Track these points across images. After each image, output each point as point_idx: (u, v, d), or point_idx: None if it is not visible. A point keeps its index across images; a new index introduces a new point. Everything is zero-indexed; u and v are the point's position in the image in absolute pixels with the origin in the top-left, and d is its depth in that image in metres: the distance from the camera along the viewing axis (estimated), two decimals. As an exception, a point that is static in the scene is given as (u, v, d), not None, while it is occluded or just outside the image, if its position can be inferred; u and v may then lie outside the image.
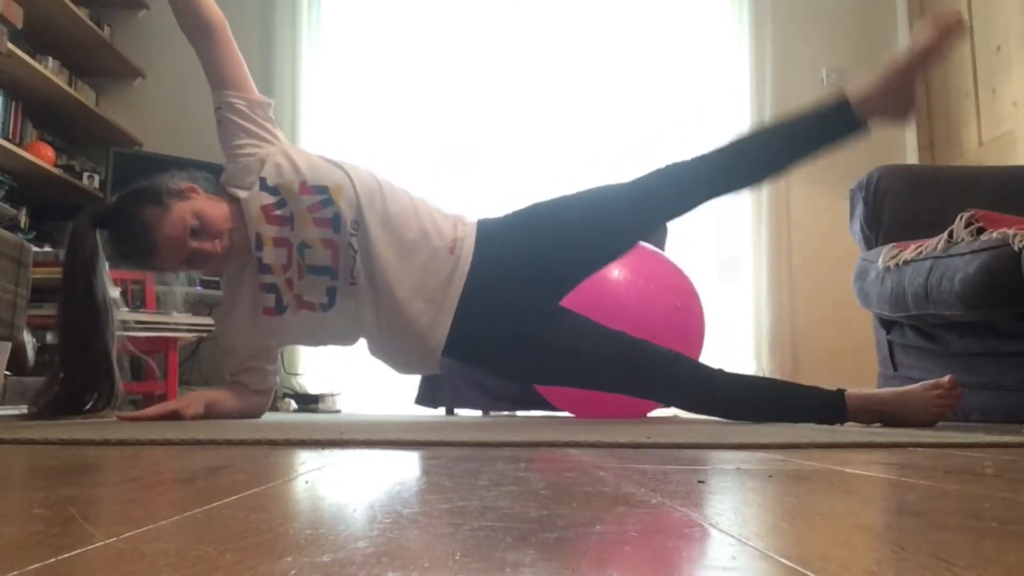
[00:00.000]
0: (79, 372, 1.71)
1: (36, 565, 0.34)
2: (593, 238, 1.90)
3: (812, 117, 1.80)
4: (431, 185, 3.59)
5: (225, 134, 1.80)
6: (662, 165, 1.87)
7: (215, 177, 1.84)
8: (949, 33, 1.72)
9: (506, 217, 1.93)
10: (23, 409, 1.76)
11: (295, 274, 1.76)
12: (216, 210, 1.73)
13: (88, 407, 1.72)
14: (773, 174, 1.94)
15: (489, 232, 1.86)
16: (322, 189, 1.75)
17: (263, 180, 1.75)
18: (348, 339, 1.89)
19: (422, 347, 1.81)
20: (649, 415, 2.41)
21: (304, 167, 1.76)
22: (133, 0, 3.91)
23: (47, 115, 3.56)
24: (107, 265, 1.78)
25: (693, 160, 1.84)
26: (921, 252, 2.06)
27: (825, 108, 1.79)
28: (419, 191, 1.91)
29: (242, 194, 1.76)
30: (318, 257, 1.75)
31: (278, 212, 1.74)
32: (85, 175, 3.60)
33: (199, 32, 1.78)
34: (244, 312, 1.80)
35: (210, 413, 1.75)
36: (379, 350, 1.87)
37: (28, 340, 2.48)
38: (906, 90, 1.74)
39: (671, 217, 1.93)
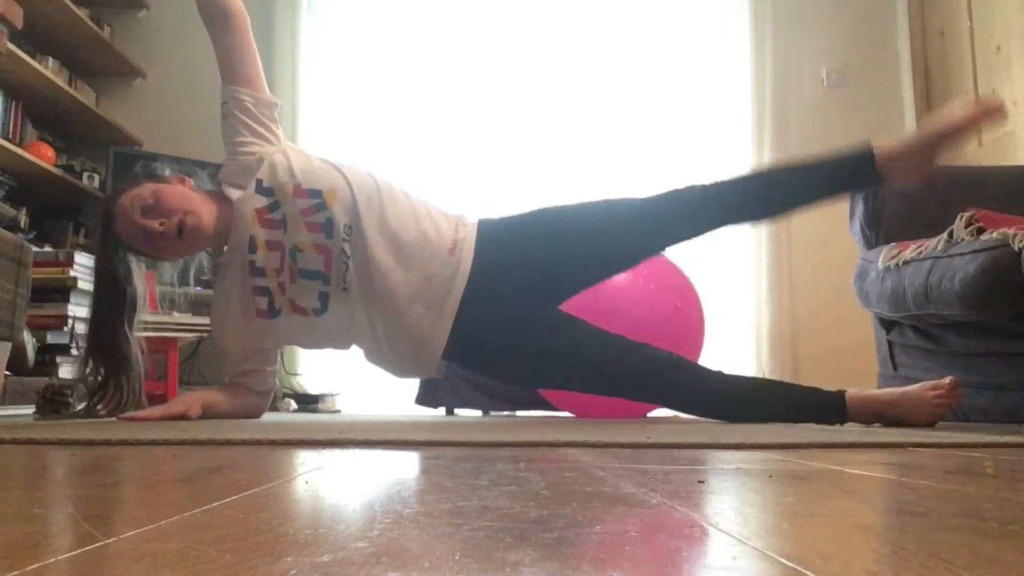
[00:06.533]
0: (104, 355, 1.74)
1: (36, 565, 0.34)
2: (596, 251, 1.88)
3: (836, 163, 1.80)
4: (431, 185, 3.59)
5: (228, 130, 1.80)
6: (680, 186, 1.84)
7: (212, 180, 1.85)
8: (989, 116, 1.71)
9: (509, 219, 1.91)
10: (23, 409, 1.76)
11: (287, 278, 1.75)
12: (182, 196, 1.74)
13: (110, 394, 1.73)
14: (785, 212, 1.93)
15: (490, 234, 1.85)
16: (315, 193, 1.74)
17: (259, 182, 1.75)
18: (342, 344, 1.88)
19: (421, 352, 1.80)
20: (649, 415, 2.41)
21: (299, 169, 1.75)
22: (133, 0, 3.91)
23: (47, 115, 3.56)
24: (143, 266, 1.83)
25: (711, 187, 1.81)
26: (921, 252, 2.06)
27: (849, 158, 1.79)
28: (420, 192, 1.90)
29: (236, 194, 1.75)
30: (310, 262, 1.74)
31: (271, 215, 1.74)
32: (85, 175, 3.60)
33: (217, 20, 1.77)
34: (237, 315, 1.80)
35: (207, 414, 1.75)
36: (375, 356, 1.86)
37: (28, 340, 2.48)
38: (930, 159, 1.73)
39: (676, 241, 1.89)
